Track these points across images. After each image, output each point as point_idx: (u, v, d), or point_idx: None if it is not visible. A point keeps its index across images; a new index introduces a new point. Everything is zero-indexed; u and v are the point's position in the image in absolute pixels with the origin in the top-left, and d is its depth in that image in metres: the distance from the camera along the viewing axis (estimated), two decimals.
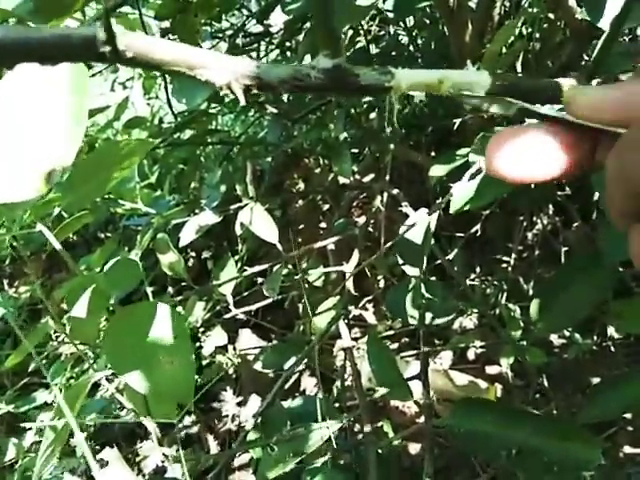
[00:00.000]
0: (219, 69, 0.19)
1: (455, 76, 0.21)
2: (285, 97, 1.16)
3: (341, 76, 0.20)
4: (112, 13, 0.70)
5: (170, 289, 1.14)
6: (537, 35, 0.89)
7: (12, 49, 0.18)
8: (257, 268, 0.87)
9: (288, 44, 1.31)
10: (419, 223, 0.68)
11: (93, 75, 1.23)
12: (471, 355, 1.04)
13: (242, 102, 0.19)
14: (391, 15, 0.99)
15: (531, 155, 0.21)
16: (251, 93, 0.19)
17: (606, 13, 0.44)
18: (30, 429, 1.05)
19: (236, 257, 0.99)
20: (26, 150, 0.33)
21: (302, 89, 0.20)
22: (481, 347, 1.03)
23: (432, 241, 0.70)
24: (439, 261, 0.73)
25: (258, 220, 0.85)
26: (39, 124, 0.34)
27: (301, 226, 1.32)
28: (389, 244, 0.70)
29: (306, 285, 0.87)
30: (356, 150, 1.28)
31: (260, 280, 1.13)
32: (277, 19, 1.19)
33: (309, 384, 1.07)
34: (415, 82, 0.21)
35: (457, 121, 0.85)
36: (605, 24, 0.45)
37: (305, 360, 0.76)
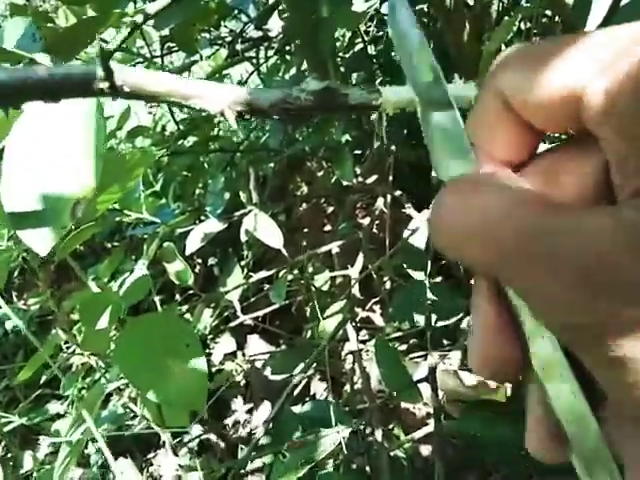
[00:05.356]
0: (212, 98, 0.19)
1: None
2: None
3: (330, 97, 0.20)
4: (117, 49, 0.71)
5: (178, 297, 1.14)
6: (535, 31, 0.88)
7: (17, 89, 0.18)
8: (263, 274, 0.87)
9: (287, 47, 1.31)
10: (422, 226, 0.68)
11: None
12: None
13: (234, 127, 0.19)
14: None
15: None
16: (243, 118, 0.20)
17: (591, 19, 0.44)
18: (44, 441, 1.06)
19: (242, 263, 0.99)
20: (48, 184, 0.33)
21: (292, 112, 0.20)
22: None
23: None
24: (444, 261, 0.73)
25: (263, 226, 0.85)
26: (59, 157, 0.34)
27: (305, 229, 1.32)
28: (394, 249, 0.70)
29: (312, 289, 0.88)
30: (359, 152, 1.27)
31: (267, 286, 1.13)
32: (275, 24, 1.19)
33: (319, 388, 1.07)
34: (402, 98, 0.21)
35: None
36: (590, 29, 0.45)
37: (314, 364, 0.77)
